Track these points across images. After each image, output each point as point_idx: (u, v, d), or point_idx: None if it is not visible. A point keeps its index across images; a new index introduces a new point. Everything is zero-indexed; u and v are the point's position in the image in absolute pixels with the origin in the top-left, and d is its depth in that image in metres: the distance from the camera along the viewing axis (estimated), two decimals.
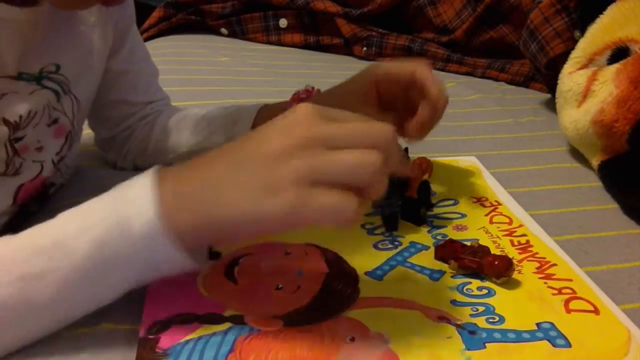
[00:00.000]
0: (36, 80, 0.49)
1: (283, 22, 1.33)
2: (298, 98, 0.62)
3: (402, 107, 0.57)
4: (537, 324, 0.42)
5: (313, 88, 0.64)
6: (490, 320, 0.42)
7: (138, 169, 0.68)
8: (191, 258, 0.38)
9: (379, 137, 0.38)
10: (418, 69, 0.54)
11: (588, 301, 0.45)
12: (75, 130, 0.56)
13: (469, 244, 0.50)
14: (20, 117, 0.48)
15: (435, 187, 0.61)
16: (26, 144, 0.49)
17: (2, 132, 0.46)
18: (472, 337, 0.40)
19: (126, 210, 0.37)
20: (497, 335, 0.40)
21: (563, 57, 0.82)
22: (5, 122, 0.46)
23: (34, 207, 0.55)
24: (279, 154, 0.36)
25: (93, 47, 0.57)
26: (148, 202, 0.36)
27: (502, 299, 0.44)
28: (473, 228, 0.55)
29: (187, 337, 0.39)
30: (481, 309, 0.43)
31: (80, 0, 0.45)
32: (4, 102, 0.46)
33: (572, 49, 0.80)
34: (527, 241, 0.53)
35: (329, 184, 0.36)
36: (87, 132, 0.67)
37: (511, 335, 0.40)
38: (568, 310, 0.43)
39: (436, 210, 0.58)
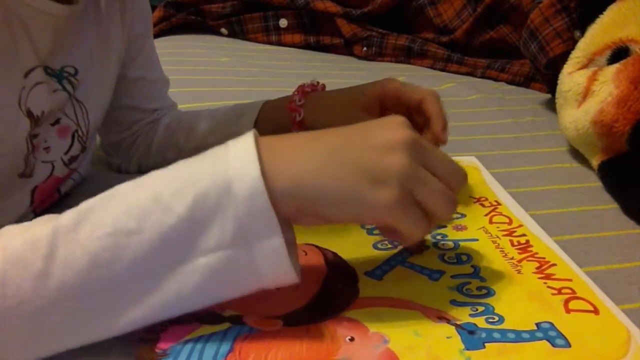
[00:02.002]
0: (57, 79, 0.49)
1: (283, 22, 1.33)
2: (303, 91, 0.62)
3: None
4: (537, 324, 0.42)
5: (318, 83, 0.64)
6: (490, 320, 0.42)
7: (142, 171, 0.68)
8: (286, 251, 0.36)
9: (464, 178, 0.41)
10: (428, 98, 0.54)
11: (588, 301, 0.45)
12: (83, 132, 0.55)
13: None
14: (43, 112, 0.48)
15: None
16: (38, 142, 0.49)
17: (25, 125, 0.46)
18: (472, 337, 0.40)
19: (225, 171, 0.36)
20: (496, 335, 0.40)
21: (563, 57, 0.83)
22: (29, 114, 0.46)
23: None
24: (386, 145, 0.37)
25: (110, 53, 0.57)
26: (250, 163, 0.35)
27: (501, 299, 0.44)
28: (473, 228, 0.55)
29: (187, 337, 0.39)
30: (481, 308, 0.43)
31: None
32: (35, 91, 0.46)
33: (572, 49, 0.80)
34: (527, 241, 0.53)
35: (417, 201, 0.38)
36: None
37: (510, 335, 0.40)
38: (568, 310, 0.43)
39: None
